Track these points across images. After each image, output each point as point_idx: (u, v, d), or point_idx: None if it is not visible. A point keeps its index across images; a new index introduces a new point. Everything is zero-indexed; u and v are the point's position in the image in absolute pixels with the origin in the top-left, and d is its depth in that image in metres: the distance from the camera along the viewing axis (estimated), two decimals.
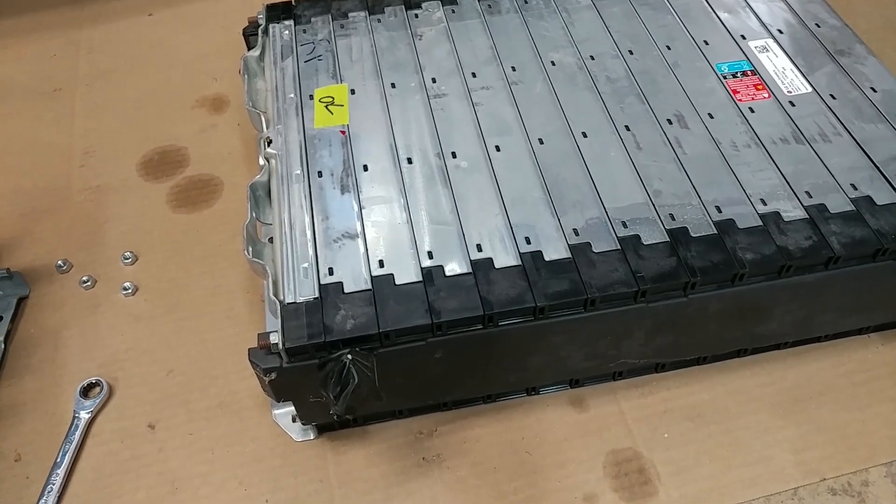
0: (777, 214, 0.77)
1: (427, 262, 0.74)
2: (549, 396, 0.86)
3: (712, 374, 0.87)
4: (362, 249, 0.75)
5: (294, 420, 0.82)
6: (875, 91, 0.88)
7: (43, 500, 0.78)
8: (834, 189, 0.79)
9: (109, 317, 0.94)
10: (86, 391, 0.86)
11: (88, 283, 0.97)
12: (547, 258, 0.74)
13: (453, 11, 1.01)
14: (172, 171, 1.11)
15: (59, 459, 0.81)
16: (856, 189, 0.79)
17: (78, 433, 0.83)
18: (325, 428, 0.83)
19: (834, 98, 0.88)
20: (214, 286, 0.97)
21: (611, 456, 0.81)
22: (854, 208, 0.77)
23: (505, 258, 0.74)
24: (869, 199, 0.77)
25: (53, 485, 0.79)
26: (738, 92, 0.90)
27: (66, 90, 1.24)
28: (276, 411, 0.84)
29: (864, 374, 0.86)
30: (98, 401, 0.85)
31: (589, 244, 0.75)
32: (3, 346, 0.90)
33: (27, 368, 0.90)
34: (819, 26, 0.97)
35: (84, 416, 0.84)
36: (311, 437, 0.83)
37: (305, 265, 0.74)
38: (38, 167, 1.12)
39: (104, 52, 1.31)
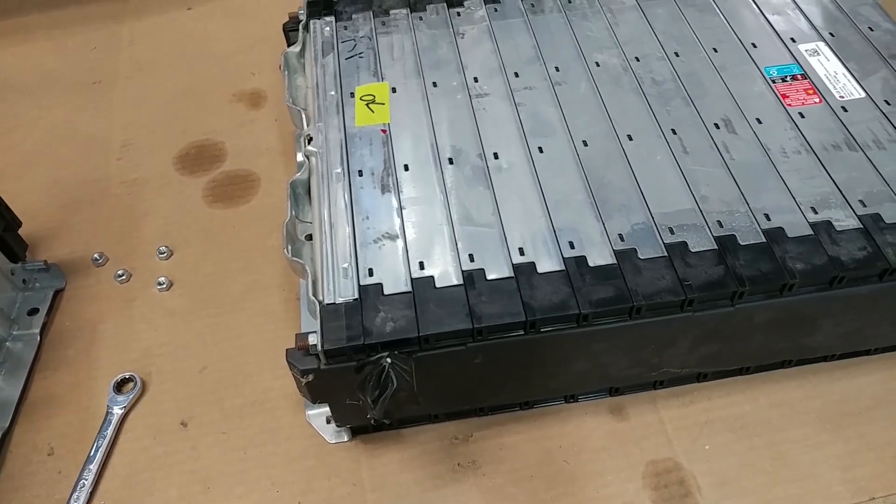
0: (829, 223, 0.75)
1: (468, 265, 0.73)
2: (588, 404, 0.84)
3: (755, 385, 0.85)
4: (402, 250, 0.74)
5: (328, 421, 0.82)
6: None
7: (75, 496, 0.78)
8: (889, 198, 0.76)
9: (144, 311, 0.94)
10: (119, 386, 0.86)
11: (124, 277, 0.97)
12: (591, 263, 0.72)
13: (496, 10, 1.00)
14: (209, 165, 1.11)
15: (91, 454, 0.81)
16: None
17: (111, 428, 0.83)
18: (359, 430, 0.82)
19: (889, 104, 0.85)
20: (250, 282, 0.97)
21: (650, 466, 0.79)
22: None
23: (548, 262, 0.73)
24: None
25: (86, 480, 0.79)
26: (788, 96, 0.87)
27: (106, 82, 1.25)
28: (310, 412, 0.83)
29: None
30: (131, 396, 0.85)
31: (635, 250, 0.73)
32: (38, 338, 0.91)
33: (62, 361, 0.90)
34: (872, 30, 0.94)
35: (117, 411, 0.84)
36: (345, 440, 0.82)
37: (345, 265, 0.73)
38: (77, 159, 1.12)
39: (144, 45, 1.31)
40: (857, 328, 0.80)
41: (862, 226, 0.74)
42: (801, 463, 0.79)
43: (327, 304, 0.70)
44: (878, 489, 0.77)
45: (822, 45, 0.93)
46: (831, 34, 0.94)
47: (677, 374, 0.82)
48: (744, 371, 0.85)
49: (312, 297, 0.70)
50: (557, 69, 0.92)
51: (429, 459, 0.80)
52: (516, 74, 0.91)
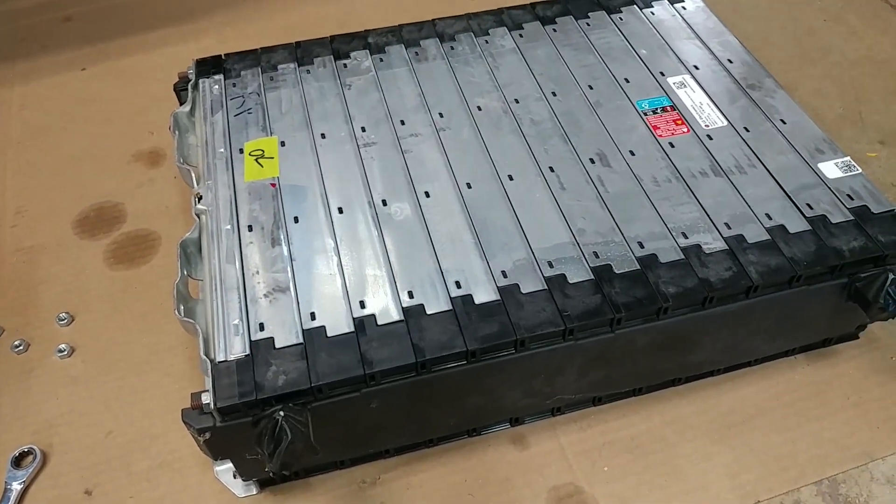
0: (698, 247, 0.80)
1: (359, 312, 0.75)
2: (491, 436, 0.86)
3: (649, 405, 0.89)
4: (294, 302, 0.76)
5: (235, 476, 0.82)
6: (784, 123, 0.92)
7: None
8: (751, 219, 0.82)
9: (44, 381, 0.93)
10: (18, 461, 0.84)
11: (21, 348, 0.95)
12: (477, 301, 0.75)
13: (381, 60, 1.03)
14: (109, 227, 1.11)
15: None
16: (770, 218, 0.82)
17: None
18: (267, 482, 0.82)
19: (748, 131, 0.92)
20: (154, 343, 0.96)
21: (553, 492, 0.82)
22: (769, 237, 0.80)
23: (436, 303, 0.75)
24: (783, 227, 0.81)
25: None
26: (659, 128, 0.93)
27: None
28: (218, 468, 0.83)
29: (791, 395, 0.89)
30: (31, 470, 0.83)
31: (517, 285, 0.76)
32: None
33: None
34: (731, 62, 1.01)
35: (16, 486, 0.82)
36: (254, 493, 0.82)
37: (236, 322, 0.74)
38: None
39: (37, 109, 1.30)
40: (733, 343, 0.85)
41: (728, 247, 0.79)
42: (692, 475, 0.83)
43: (219, 362, 0.71)
44: (762, 492, 0.81)
45: (688, 77, 1.00)
46: (696, 67, 1.01)
47: (572, 400, 0.85)
48: (637, 392, 0.89)
49: (204, 357, 0.71)
50: (441, 115, 0.95)
51: None
52: (402, 122, 0.94)
